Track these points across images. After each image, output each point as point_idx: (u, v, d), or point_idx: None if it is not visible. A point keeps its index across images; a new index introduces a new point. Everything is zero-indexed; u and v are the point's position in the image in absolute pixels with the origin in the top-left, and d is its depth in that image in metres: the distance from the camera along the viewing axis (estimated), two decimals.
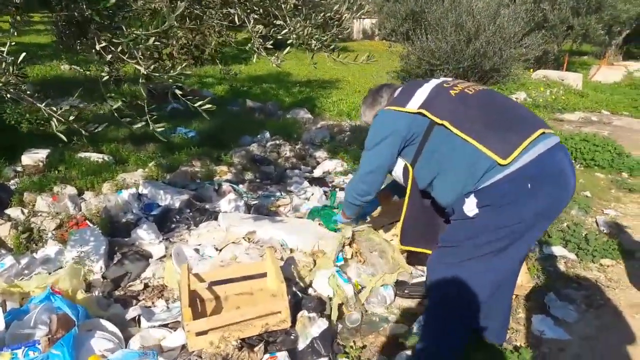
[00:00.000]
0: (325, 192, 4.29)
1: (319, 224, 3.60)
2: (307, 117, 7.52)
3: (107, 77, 2.16)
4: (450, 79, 2.30)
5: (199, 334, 2.28)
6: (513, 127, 2.00)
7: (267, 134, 6.11)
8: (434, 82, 2.24)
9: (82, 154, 5.03)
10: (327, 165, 4.98)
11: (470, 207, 2.00)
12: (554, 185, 1.96)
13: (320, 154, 5.43)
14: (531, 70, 11.60)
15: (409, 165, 2.27)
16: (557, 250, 3.64)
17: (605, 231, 4.01)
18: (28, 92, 1.93)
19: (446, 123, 2.03)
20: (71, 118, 1.81)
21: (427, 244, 2.45)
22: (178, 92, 2.26)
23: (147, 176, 4.32)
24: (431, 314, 2.31)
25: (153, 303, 2.81)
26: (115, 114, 2.20)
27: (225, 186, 4.26)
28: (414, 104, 2.15)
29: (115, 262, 3.07)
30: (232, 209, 3.78)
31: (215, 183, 4.35)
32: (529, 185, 1.91)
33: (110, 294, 2.85)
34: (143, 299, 2.85)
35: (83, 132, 1.87)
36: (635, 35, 18.95)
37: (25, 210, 3.55)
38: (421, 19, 10.57)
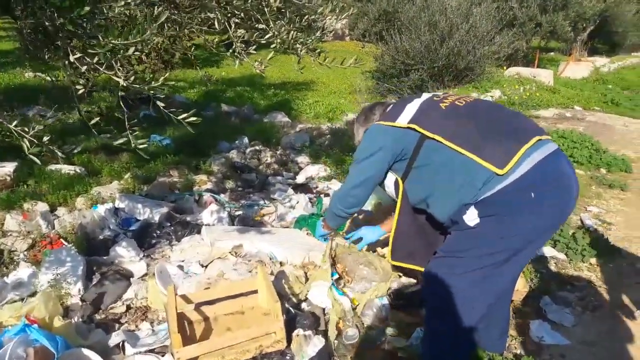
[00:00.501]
0: (310, 199, 4.17)
1: (307, 233, 3.49)
2: (284, 121, 7.39)
3: (83, 89, 2.00)
4: (440, 92, 2.28)
5: None
6: (507, 136, 1.94)
7: (246, 140, 5.95)
8: (424, 97, 2.21)
9: (52, 167, 4.79)
10: (310, 170, 4.86)
11: (471, 216, 1.93)
12: (558, 192, 1.90)
13: (302, 159, 5.31)
14: (504, 67, 11.72)
15: (399, 179, 2.22)
16: (547, 250, 3.62)
17: (590, 229, 4.01)
18: None
19: (437, 137, 1.98)
20: (45, 139, 1.65)
21: (418, 260, 2.39)
22: (161, 104, 2.13)
23: (123, 189, 4.12)
24: (430, 327, 2.23)
25: (137, 326, 2.65)
26: (93, 130, 2.06)
27: (206, 196, 4.10)
28: (404, 118, 2.11)
29: (94, 283, 2.88)
30: (215, 221, 3.63)
31: (196, 193, 4.18)
32: (532, 194, 1.85)
33: (90, 318, 2.67)
34: (126, 322, 2.68)
35: (60, 154, 1.71)
36: (598, 31, 19.44)
37: None
38: (394, 18, 10.57)
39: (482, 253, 1.94)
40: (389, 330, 2.63)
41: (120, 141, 1.97)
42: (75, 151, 1.81)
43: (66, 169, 4.73)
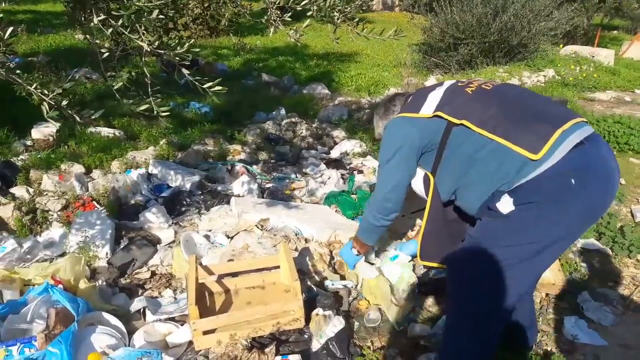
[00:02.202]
0: (342, 176, 4.08)
1: (336, 210, 3.42)
2: (324, 93, 7.26)
3: (107, 53, 1.96)
4: (464, 79, 2.09)
5: (206, 332, 2.13)
6: (540, 119, 1.78)
7: (283, 111, 5.88)
8: (447, 84, 2.06)
9: (93, 129, 4.88)
10: (345, 145, 4.75)
11: (506, 204, 1.78)
12: (601, 179, 1.74)
13: (338, 133, 5.19)
14: (560, 45, 11.06)
15: (429, 174, 2.08)
16: (590, 243, 3.40)
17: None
18: (17, 71, 1.73)
19: (465, 122, 1.84)
20: (64, 103, 1.62)
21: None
22: (185, 71, 2.07)
23: (157, 155, 4.15)
24: (455, 317, 2.11)
25: (160, 293, 2.67)
26: (117, 95, 2.02)
27: (239, 167, 4.08)
28: (428, 108, 1.97)
29: (122, 247, 2.92)
30: (245, 192, 3.60)
31: (229, 163, 4.17)
32: (573, 180, 1.69)
33: (115, 281, 2.72)
34: (149, 288, 2.71)
35: (77, 118, 1.67)
36: None
37: (31, 190, 3.41)
38: None
39: (515, 243, 1.80)
40: (412, 316, 2.54)
41: (143, 107, 1.93)
42: (94, 117, 1.76)
43: (106, 131, 4.82)
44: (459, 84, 2.01)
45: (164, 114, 1.86)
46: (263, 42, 11.71)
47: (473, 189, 1.92)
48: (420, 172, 2.12)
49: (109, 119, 5.20)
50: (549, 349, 2.44)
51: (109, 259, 2.84)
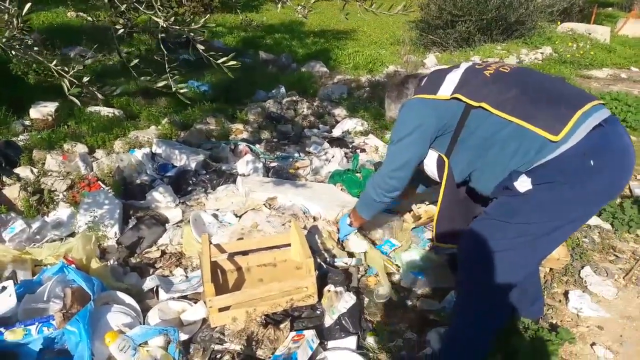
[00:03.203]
0: (346, 154, 4.09)
1: (341, 189, 3.43)
2: (322, 71, 7.22)
3: (122, 30, 1.93)
4: (480, 61, 2.08)
5: (221, 309, 2.15)
6: (559, 101, 1.79)
7: (283, 89, 5.85)
8: (464, 66, 2.04)
9: (92, 108, 4.84)
10: (347, 124, 4.74)
11: (524, 183, 1.80)
12: (618, 161, 1.76)
13: (339, 111, 5.18)
14: (558, 22, 11.02)
15: (443, 156, 2.07)
16: (591, 219, 3.45)
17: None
18: (35, 48, 1.71)
19: (484, 104, 1.84)
20: (85, 80, 1.60)
21: None
22: (200, 47, 2.05)
23: (160, 134, 4.13)
24: (465, 289, 2.14)
25: (171, 272, 2.68)
26: (133, 72, 2.00)
27: (242, 146, 4.07)
28: (446, 90, 1.96)
29: (130, 227, 2.92)
30: (251, 171, 3.60)
31: (232, 142, 4.16)
32: (592, 162, 1.71)
33: (125, 261, 2.73)
34: (160, 267, 2.72)
35: (100, 95, 1.66)
36: None
37: (35, 170, 3.39)
38: None
39: (531, 221, 1.81)
40: (421, 291, 2.58)
41: (161, 84, 1.92)
42: (116, 93, 1.76)
43: (105, 111, 4.78)
44: (477, 66, 2.01)
45: (182, 90, 1.85)
46: (258, 19, 11.54)
47: (490, 170, 1.93)
48: (433, 154, 2.12)
49: (108, 98, 5.15)
50: (554, 321, 2.50)
51: (118, 238, 2.84)
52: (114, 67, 6.40)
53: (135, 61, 1.86)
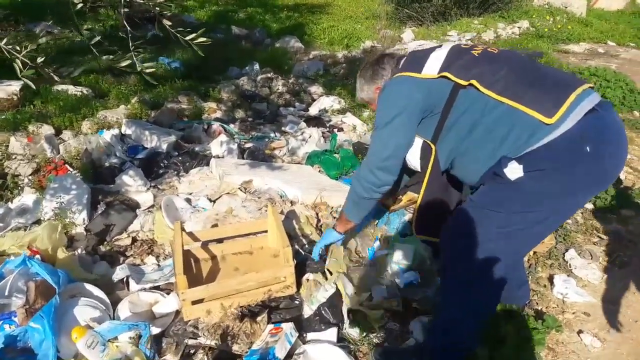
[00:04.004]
0: (323, 134, 3.99)
1: (319, 171, 3.35)
2: (297, 46, 7.04)
3: (81, 3, 1.78)
4: (464, 42, 1.97)
5: (194, 302, 2.07)
6: (552, 83, 1.71)
7: (257, 66, 5.67)
8: (449, 45, 1.92)
9: (59, 87, 4.61)
10: (324, 102, 4.63)
11: (514, 170, 1.70)
12: (614, 147, 1.68)
13: (316, 89, 5.06)
14: None
15: (429, 142, 1.95)
16: None
17: (621, 177, 3.78)
18: None
19: (474, 82, 1.73)
20: (39, 60, 1.46)
21: None
22: (167, 22, 1.92)
23: (129, 114, 3.95)
24: (448, 277, 2.06)
25: (142, 260, 2.58)
26: (94, 50, 1.86)
27: (215, 126, 3.93)
28: (432, 68, 1.82)
29: (99, 213, 2.79)
30: (225, 152, 3.48)
31: (205, 122, 4.01)
32: (588, 148, 1.64)
33: (95, 249, 2.61)
34: (131, 255, 2.61)
35: (55, 77, 1.53)
36: None
37: None
38: None
39: (521, 210, 1.73)
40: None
41: (124, 63, 1.78)
42: (73, 75, 1.63)
43: (72, 90, 4.56)
44: (462, 46, 1.91)
45: (148, 70, 1.72)
46: None
47: (476, 156, 1.82)
48: (417, 141, 1.99)
49: (75, 77, 4.91)
50: (540, 308, 2.44)
51: (87, 225, 2.72)
52: (82, 44, 6.11)
53: (97, 38, 1.72)
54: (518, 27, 8.64)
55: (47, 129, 3.56)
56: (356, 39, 7.74)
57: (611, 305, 2.50)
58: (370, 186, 2.01)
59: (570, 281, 2.60)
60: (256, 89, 4.92)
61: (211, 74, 5.52)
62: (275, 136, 3.97)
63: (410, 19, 9.39)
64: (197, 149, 3.57)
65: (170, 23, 1.75)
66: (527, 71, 1.77)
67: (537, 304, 2.47)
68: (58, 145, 3.40)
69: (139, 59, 1.67)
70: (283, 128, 4.14)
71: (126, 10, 2.00)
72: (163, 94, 4.60)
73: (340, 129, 4.14)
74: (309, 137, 3.83)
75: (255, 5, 10.23)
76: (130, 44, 1.70)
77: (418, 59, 1.91)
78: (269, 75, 5.24)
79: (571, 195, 1.73)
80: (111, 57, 1.68)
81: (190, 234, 2.37)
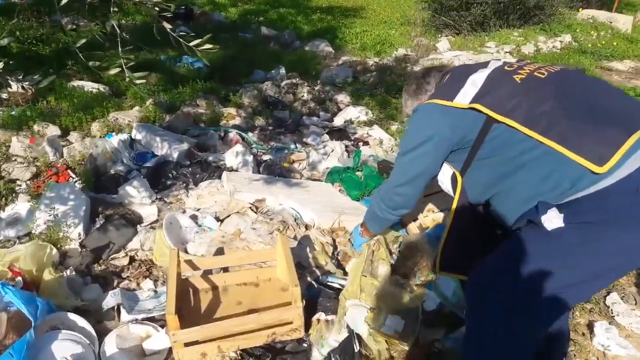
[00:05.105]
0: (347, 147, 3.70)
1: (340, 190, 3.06)
2: (327, 51, 6.77)
3: None
4: (513, 60, 1.68)
5: (188, 343, 1.80)
6: (609, 121, 1.39)
7: (283, 70, 5.41)
8: (492, 65, 1.66)
9: (76, 83, 4.45)
10: (350, 112, 4.34)
11: (554, 219, 1.42)
12: None
13: (342, 97, 4.77)
14: (580, 9, 10.46)
15: (457, 173, 1.72)
16: None
17: None
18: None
19: (508, 121, 1.47)
20: None
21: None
22: (167, 25, 1.67)
23: (142, 117, 3.73)
24: (475, 339, 1.76)
25: (138, 284, 2.33)
26: (80, 55, 1.62)
27: (232, 134, 3.68)
28: (465, 96, 1.58)
29: (97, 227, 2.57)
30: (240, 164, 3.22)
31: (221, 129, 3.76)
32: None
33: (88, 268, 2.38)
34: (127, 277, 2.38)
35: (15, 86, 1.29)
36: None
37: None
38: None
39: (561, 267, 1.45)
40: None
41: (113, 72, 1.54)
42: (41, 85, 1.39)
43: (89, 86, 4.38)
44: (507, 67, 1.62)
45: (138, 81, 1.48)
46: None
47: (515, 196, 1.56)
48: (448, 169, 1.77)
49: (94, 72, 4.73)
50: None
51: (82, 240, 2.49)
52: (105, 39, 5.96)
53: (82, 41, 1.47)
54: (560, 41, 8.18)
55: (52, 130, 3.37)
56: (389, 46, 7.42)
57: None
58: (385, 207, 1.98)
59: (612, 330, 2.30)
60: (280, 95, 4.66)
61: (235, 76, 5.28)
62: (296, 148, 3.70)
63: (447, 27, 9.01)
64: (210, 158, 3.31)
65: (170, 26, 1.49)
66: (579, 102, 1.46)
67: (574, 356, 2.18)
68: (62, 149, 3.19)
69: (128, 68, 1.42)
70: (304, 139, 3.86)
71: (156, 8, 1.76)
72: (181, 97, 4.38)
73: (366, 143, 3.85)
74: (332, 151, 3.55)
75: (287, 6, 10.01)
76: (120, 50, 1.45)
77: (455, 81, 1.67)
78: (294, 80, 4.98)
79: (622, 255, 1.43)
80: (97, 63, 1.43)
81: (190, 262, 2.10)
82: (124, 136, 3.29)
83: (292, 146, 3.71)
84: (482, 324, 1.63)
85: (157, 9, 1.50)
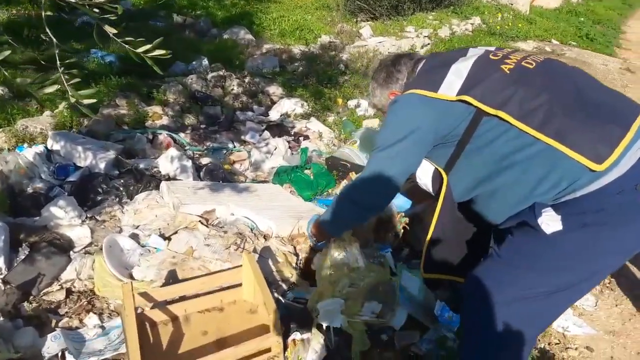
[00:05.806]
0: (289, 143, 3.53)
1: (290, 191, 2.91)
2: (248, 39, 6.47)
3: None
4: (494, 48, 1.61)
5: None
6: (606, 114, 1.37)
7: (205, 61, 5.07)
8: (474, 53, 1.57)
9: None
10: (285, 105, 4.16)
11: (551, 221, 1.38)
12: None
13: (274, 89, 4.56)
14: None
15: (441, 170, 1.64)
16: None
17: None
18: None
19: (502, 114, 1.39)
20: None
21: (458, 269, 1.88)
22: (110, 30, 1.43)
23: (57, 123, 3.29)
24: (471, 347, 1.72)
25: (81, 320, 2.03)
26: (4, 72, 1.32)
27: (162, 136, 3.37)
28: (451, 87, 1.48)
29: (22, 259, 2.21)
30: (177, 170, 2.94)
31: (149, 131, 3.43)
32: None
33: (16, 308, 2.04)
34: (66, 314, 2.07)
35: None
36: None
37: None
38: None
39: (559, 270, 1.43)
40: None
41: (50, 89, 1.29)
42: None
43: None
44: (492, 56, 1.54)
45: (86, 101, 1.23)
46: None
47: (505, 197, 1.50)
48: (428, 166, 1.68)
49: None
50: (542, 345, 2.24)
51: (5, 276, 2.13)
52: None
53: (8, 52, 1.19)
54: (471, 24, 8.49)
55: None
56: (309, 31, 7.25)
57: (612, 336, 2.38)
58: (358, 209, 1.77)
59: (568, 311, 2.41)
60: (208, 89, 4.36)
61: (154, 70, 4.86)
62: (234, 147, 3.47)
63: (362, 12, 8.99)
64: (142, 165, 2.99)
65: (115, 31, 1.25)
66: (573, 95, 1.41)
67: (539, 340, 2.24)
68: None
69: (71, 86, 1.17)
70: (242, 137, 3.63)
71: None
72: (97, 96, 3.93)
73: (306, 137, 3.70)
74: (275, 149, 3.36)
75: None
76: (57, 60, 1.19)
77: (436, 71, 1.55)
78: (220, 72, 4.68)
79: (618, 255, 1.44)
80: (28, 81, 1.16)
81: (145, 294, 1.85)
82: (38, 148, 2.87)
83: (230, 145, 3.48)
84: (481, 334, 1.57)
85: (96, 10, 1.24)
